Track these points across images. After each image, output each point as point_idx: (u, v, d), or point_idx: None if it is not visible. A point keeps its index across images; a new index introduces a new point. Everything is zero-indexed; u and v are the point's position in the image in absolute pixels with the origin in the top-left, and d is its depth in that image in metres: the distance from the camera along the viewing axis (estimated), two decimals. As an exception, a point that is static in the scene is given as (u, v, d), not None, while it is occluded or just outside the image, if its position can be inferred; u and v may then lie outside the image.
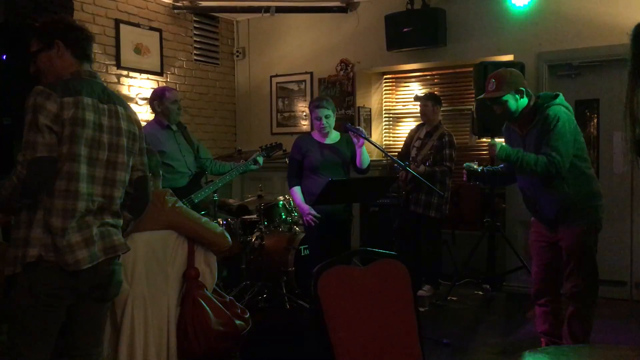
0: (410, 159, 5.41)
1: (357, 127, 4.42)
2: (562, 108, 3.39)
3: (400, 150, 5.83)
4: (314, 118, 4.45)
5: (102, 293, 2.38)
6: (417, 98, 5.76)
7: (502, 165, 3.83)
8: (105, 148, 2.31)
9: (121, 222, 2.44)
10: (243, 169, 4.60)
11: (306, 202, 4.36)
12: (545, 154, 3.31)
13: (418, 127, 5.66)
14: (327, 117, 4.40)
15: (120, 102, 2.43)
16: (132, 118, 2.46)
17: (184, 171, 4.43)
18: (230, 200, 5.88)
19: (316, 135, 4.52)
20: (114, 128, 2.35)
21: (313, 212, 4.30)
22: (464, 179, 3.83)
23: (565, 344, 3.47)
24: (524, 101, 3.47)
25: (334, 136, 4.52)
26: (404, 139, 5.81)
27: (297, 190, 4.45)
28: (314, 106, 4.44)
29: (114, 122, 2.35)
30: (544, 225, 3.58)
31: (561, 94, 3.51)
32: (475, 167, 3.78)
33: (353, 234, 4.33)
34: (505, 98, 3.43)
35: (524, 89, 3.46)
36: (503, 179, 3.89)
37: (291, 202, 5.40)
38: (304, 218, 4.38)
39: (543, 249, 3.60)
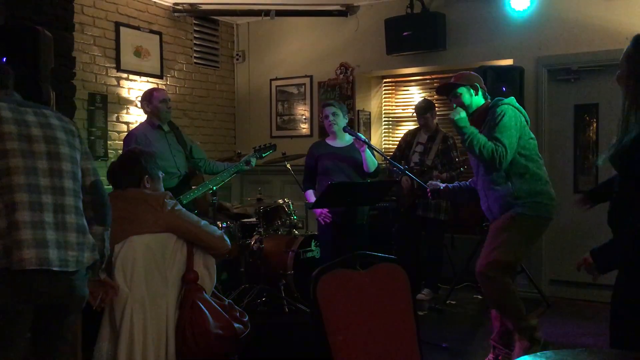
0: (412, 164, 5.41)
1: (356, 131, 4.51)
2: (510, 107, 3.52)
3: (393, 153, 5.83)
4: (323, 117, 4.67)
5: (60, 307, 2.24)
6: (417, 111, 5.63)
7: (469, 182, 3.87)
8: (44, 157, 2.21)
9: (86, 239, 2.26)
10: (235, 169, 4.63)
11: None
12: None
13: (416, 131, 5.66)
14: (334, 114, 4.56)
15: (45, 109, 2.34)
16: (60, 125, 2.33)
17: (173, 171, 4.46)
18: (229, 205, 5.87)
19: (329, 140, 4.72)
20: (49, 137, 2.25)
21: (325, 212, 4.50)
22: (429, 196, 3.96)
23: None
24: (479, 99, 3.62)
25: (346, 140, 4.65)
26: (403, 142, 5.80)
27: (310, 193, 4.74)
28: (322, 105, 4.72)
29: (48, 131, 2.25)
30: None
31: (513, 97, 3.64)
32: (439, 184, 3.91)
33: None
34: (460, 90, 3.59)
35: (479, 86, 3.60)
36: (464, 195, 3.91)
37: (290, 205, 5.41)
38: (318, 217, 4.54)
39: None
